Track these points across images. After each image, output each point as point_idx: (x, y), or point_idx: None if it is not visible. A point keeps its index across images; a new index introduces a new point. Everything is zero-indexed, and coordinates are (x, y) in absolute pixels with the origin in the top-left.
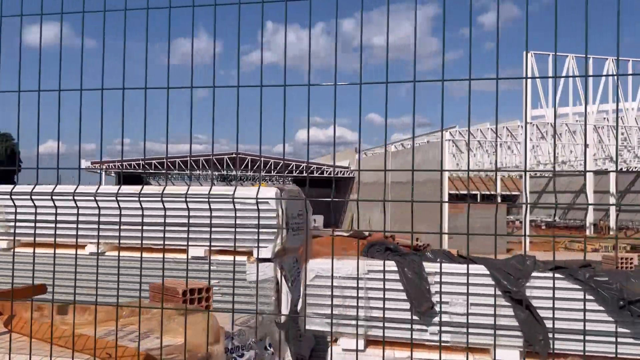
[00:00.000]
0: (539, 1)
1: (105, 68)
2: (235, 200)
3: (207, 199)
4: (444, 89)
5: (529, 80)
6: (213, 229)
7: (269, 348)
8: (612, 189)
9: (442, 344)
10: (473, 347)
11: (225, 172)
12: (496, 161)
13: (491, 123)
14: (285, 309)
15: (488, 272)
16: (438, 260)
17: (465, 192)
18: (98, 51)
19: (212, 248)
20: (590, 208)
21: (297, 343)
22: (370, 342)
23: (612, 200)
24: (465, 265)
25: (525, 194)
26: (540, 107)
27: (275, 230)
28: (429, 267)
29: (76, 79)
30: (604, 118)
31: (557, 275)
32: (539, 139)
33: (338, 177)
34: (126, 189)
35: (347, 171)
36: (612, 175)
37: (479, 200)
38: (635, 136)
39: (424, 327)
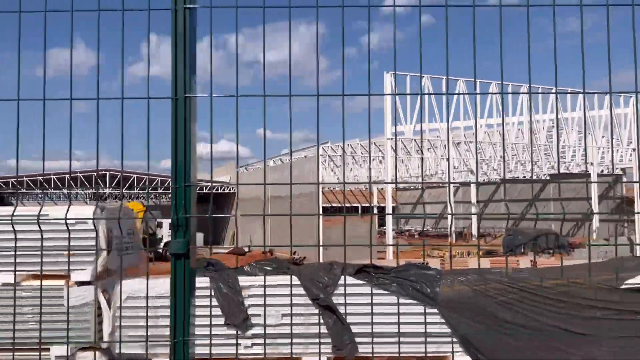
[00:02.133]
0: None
1: None
2: (48, 220)
3: (36, 221)
4: (331, 105)
5: (390, 99)
6: (25, 253)
7: None
8: (474, 199)
9: (257, 356)
10: (285, 357)
11: (95, 190)
12: (370, 175)
13: (360, 139)
14: (107, 334)
15: (300, 282)
16: (259, 273)
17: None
18: None
19: (27, 273)
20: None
21: None
22: None
23: (474, 209)
24: (283, 277)
25: (390, 205)
26: (400, 124)
27: (95, 251)
28: (248, 280)
29: None
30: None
31: (361, 280)
32: (405, 153)
33: (216, 192)
34: None
35: (227, 186)
36: (473, 187)
37: (359, 212)
38: (488, 150)
39: (240, 342)
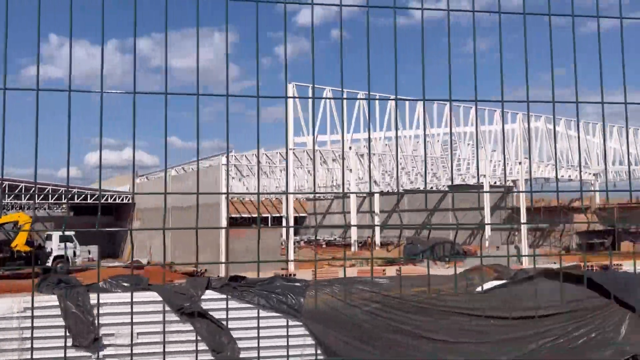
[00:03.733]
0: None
1: None
2: None
3: None
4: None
5: (291, 109)
6: None
7: None
8: (377, 209)
9: None
10: None
11: None
12: (287, 184)
13: (266, 149)
14: None
15: (160, 297)
16: (115, 290)
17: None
18: None
19: None
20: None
21: None
22: None
23: (377, 219)
24: (140, 294)
25: (287, 216)
26: (302, 135)
27: None
28: (104, 297)
29: None
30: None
31: (224, 294)
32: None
33: (116, 202)
34: None
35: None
36: (376, 197)
37: (269, 223)
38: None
39: None
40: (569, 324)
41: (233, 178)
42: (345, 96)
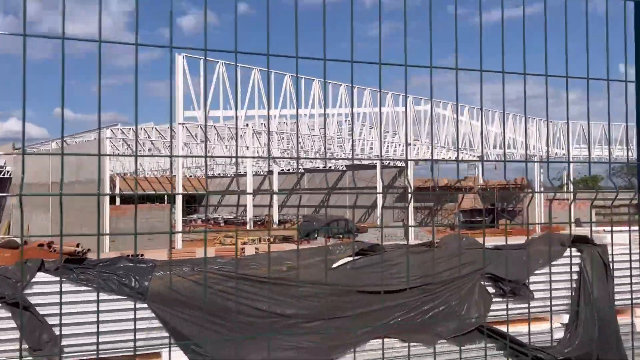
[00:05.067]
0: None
1: None
2: None
3: None
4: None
5: (181, 84)
6: None
7: None
8: (275, 187)
9: None
10: None
11: None
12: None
13: (155, 123)
14: None
15: None
16: None
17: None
18: None
19: None
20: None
21: None
22: None
23: (275, 197)
24: None
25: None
26: (193, 109)
27: None
28: None
29: None
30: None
31: (60, 277)
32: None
33: None
34: None
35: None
36: (275, 176)
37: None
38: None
39: None
40: (419, 298)
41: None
42: (238, 71)
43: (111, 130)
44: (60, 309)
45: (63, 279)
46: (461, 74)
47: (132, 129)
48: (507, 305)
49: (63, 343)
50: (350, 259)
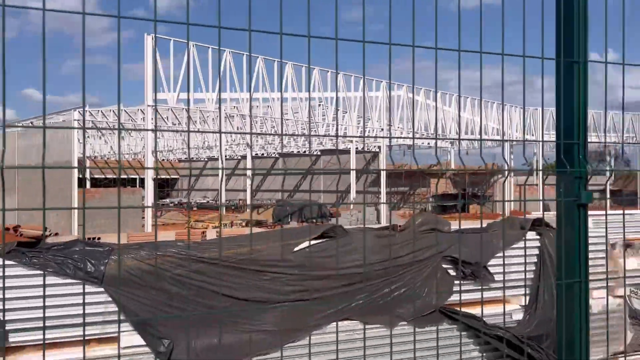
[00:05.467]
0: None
1: None
2: None
3: None
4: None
5: (150, 65)
6: None
7: None
8: (249, 172)
9: None
10: None
11: None
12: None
13: (125, 106)
14: None
15: None
16: None
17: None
18: None
19: None
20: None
21: None
22: None
23: (249, 182)
24: None
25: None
26: (163, 92)
27: None
28: None
29: None
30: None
31: (11, 261)
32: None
33: None
34: None
35: None
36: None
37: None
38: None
39: None
40: (380, 281)
41: (89, 137)
42: (210, 53)
43: (79, 112)
44: (4, 293)
45: (14, 262)
46: (429, 60)
47: (101, 111)
48: (460, 288)
49: (13, 327)
50: (311, 242)
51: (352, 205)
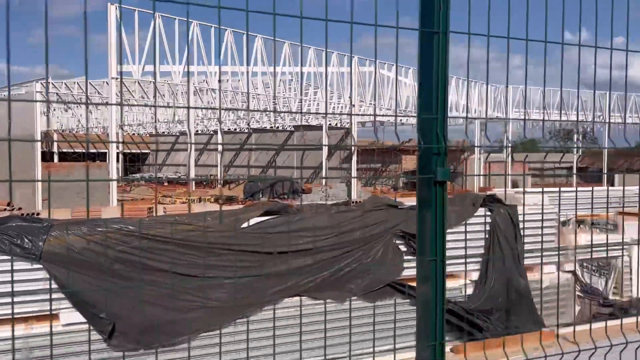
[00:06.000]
0: None
1: None
2: None
3: None
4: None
5: (114, 38)
6: None
7: None
8: (220, 147)
9: None
10: None
11: None
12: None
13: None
14: None
15: None
16: None
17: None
18: None
19: None
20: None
21: None
22: None
23: (219, 157)
24: None
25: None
26: (128, 64)
27: None
28: None
29: None
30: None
31: None
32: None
33: None
34: None
35: None
36: (219, 135)
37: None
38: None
39: None
40: (331, 257)
41: (55, 110)
42: (177, 25)
43: (41, 83)
44: None
45: None
46: (408, 36)
47: (65, 83)
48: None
49: None
50: (261, 219)
51: (323, 181)
